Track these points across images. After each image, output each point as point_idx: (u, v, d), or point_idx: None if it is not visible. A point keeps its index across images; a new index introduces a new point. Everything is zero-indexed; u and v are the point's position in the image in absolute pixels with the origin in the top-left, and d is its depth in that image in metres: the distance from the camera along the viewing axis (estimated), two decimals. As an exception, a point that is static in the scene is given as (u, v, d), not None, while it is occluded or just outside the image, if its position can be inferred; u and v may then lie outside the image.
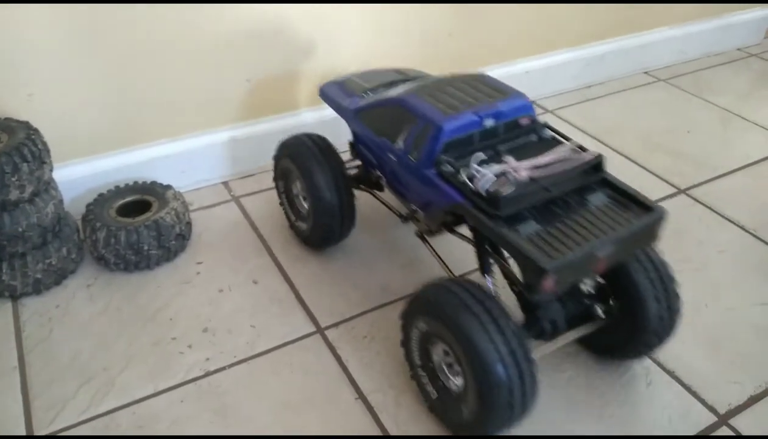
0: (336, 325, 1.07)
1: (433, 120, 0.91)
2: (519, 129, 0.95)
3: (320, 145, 1.14)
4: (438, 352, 0.89)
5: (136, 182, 1.28)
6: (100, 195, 1.24)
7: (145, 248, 1.15)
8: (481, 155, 0.90)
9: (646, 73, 1.94)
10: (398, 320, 0.93)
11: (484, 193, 0.84)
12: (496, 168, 0.87)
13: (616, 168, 1.48)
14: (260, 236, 1.27)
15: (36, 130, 1.07)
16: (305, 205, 1.18)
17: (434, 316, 0.85)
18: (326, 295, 1.12)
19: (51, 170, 1.10)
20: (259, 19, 1.30)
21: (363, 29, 1.42)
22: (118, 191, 1.25)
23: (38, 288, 1.12)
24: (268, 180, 1.42)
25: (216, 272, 1.18)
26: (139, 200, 1.24)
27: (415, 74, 1.19)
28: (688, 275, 1.18)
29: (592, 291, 0.95)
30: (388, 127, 1.00)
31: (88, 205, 1.21)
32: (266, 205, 1.36)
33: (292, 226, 1.25)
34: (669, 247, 1.23)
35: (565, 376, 1.01)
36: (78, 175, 1.26)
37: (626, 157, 1.54)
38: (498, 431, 0.85)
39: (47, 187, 1.09)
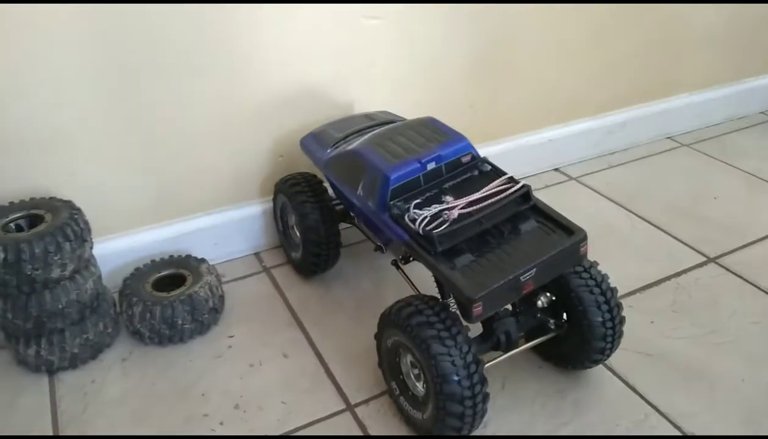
0: (366, 402, 1.07)
1: (381, 170, 1.04)
2: (461, 166, 1.08)
3: (311, 183, 1.30)
4: (406, 362, 1.00)
5: (171, 256, 1.32)
6: (137, 269, 1.28)
7: (179, 322, 1.17)
8: (417, 200, 1.02)
9: (669, 138, 1.96)
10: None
11: (422, 233, 0.95)
12: (434, 208, 0.99)
13: (643, 235, 1.50)
14: (290, 308, 1.29)
15: (79, 210, 1.12)
16: (297, 235, 1.33)
17: (399, 329, 0.95)
18: (356, 369, 1.13)
19: (91, 248, 1.14)
20: (291, 88, 1.36)
21: (391, 100, 1.47)
22: (154, 265, 1.28)
23: (75, 363, 1.14)
24: (297, 251, 1.45)
25: (247, 346, 1.20)
26: (175, 274, 1.27)
27: (383, 118, 1.32)
28: (722, 348, 1.17)
29: (545, 306, 1.05)
30: (350, 176, 1.12)
31: (125, 280, 1.25)
32: (296, 275, 1.38)
33: (286, 254, 1.41)
34: (700, 319, 1.23)
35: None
36: (116, 249, 1.31)
37: (652, 224, 1.54)
38: (452, 433, 0.94)
39: (87, 264, 1.13)
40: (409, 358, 0.99)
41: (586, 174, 1.77)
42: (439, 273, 0.94)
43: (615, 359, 1.13)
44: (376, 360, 1.06)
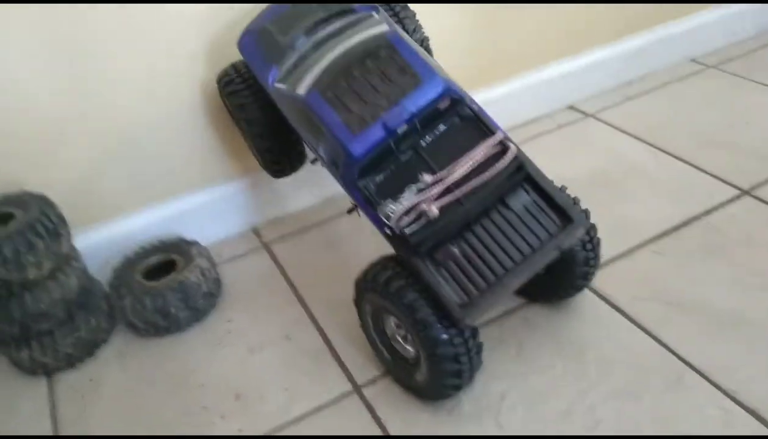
0: (373, 381, 1.00)
1: (343, 144, 0.87)
2: (438, 115, 0.90)
3: (245, 76, 1.09)
4: (390, 325, 0.95)
5: (161, 241, 1.25)
6: (126, 258, 1.21)
7: (173, 311, 1.11)
8: (389, 179, 0.89)
9: (693, 61, 1.80)
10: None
11: (398, 233, 0.85)
12: (408, 197, 0.85)
13: (668, 171, 1.37)
14: (292, 285, 1.22)
15: (50, 204, 1.05)
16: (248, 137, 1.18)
17: (379, 295, 0.89)
18: (363, 347, 1.05)
19: (69, 242, 1.07)
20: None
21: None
22: (143, 252, 1.22)
23: (71, 362, 1.09)
24: (298, 223, 1.37)
25: (247, 330, 1.13)
26: (165, 260, 1.20)
27: (338, 9, 1.01)
28: (763, 292, 1.06)
29: None
30: (307, 127, 0.94)
31: (114, 270, 1.19)
32: (297, 249, 1.30)
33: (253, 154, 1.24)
34: (736, 260, 1.12)
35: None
36: (104, 238, 1.24)
37: (679, 158, 1.41)
38: (453, 392, 0.92)
39: (68, 259, 1.06)
40: (392, 320, 0.95)
41: (604, 109, 1.63)
42: (420, 276, 0.85)
43: (641, 311, 1.04)
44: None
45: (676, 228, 1.21)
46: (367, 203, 0.89)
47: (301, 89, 0.91)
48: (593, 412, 0.91)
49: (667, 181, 1.35)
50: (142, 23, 1.12)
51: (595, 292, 1.10)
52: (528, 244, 0.87)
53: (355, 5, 1.01)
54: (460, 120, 0.91)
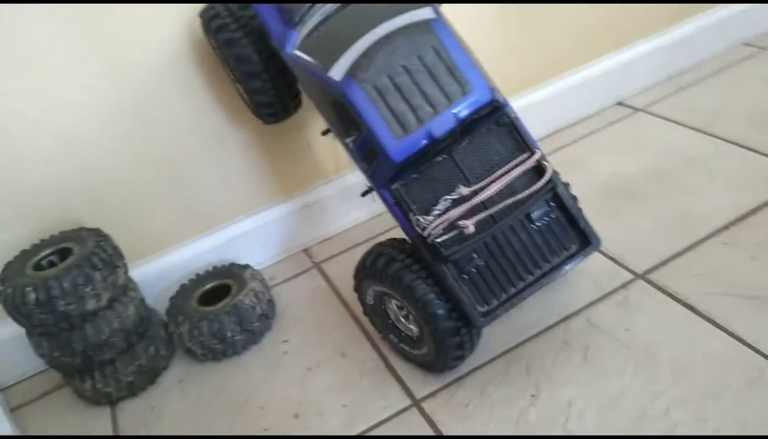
0: (433, 395, 0.97)
1: (382, 146, 0.84)
2: (477, 120, 0.88)
3: (236, 16, 1.01)
4: (392, 308, 0.99)
5: (215, 267, 1.26)
6: (182, 286, 1.23)
7: (229, 334, 1.11)
8: (420, 182, 0.88)
9: (745, 44, 1.72)
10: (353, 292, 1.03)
11: (429, 243, 0.86)
12: (446, 210, 0.86)
13: (730, 160, 1.30)
14: (344, 302, 1.20)
15: (105, 236, 1.07)
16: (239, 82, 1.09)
17: (379, 280, 0.93)
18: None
19: (126, 272, 1.09)
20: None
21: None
22: (198, 279, 1.23)
23: (133, 391, 1.10)
24: (347, 241, 1.36)
25: (303, 349, 1.12)
26: (220, 285, 1.21)
27: None
28: None
29: None
30: (335, 112, 0.90)
31: (171, 299, 1.20)
32: (348, 267, 1.28)
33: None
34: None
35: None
36: (159, 269, 1.26)
37: (739, 145, 1.34)
38: (457, 364, 0.97)
39: (125, 289, 1.08)
40: (394, 303, 0.98)
41: (654, 102, 1.58)
42: (443, 282, 0.88)
43: (713, 306, 0.98)
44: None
45: (744, 217, 1.15)
46: (397, 206, 0.88)
47: (336, 73, 0.85)
48: (669, 415, 0.85)
49: (729, 170, 1.28)
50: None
51: (662, 289, 1.04)
52: (547, 260, 0.91)
53: None
54: (497, 127, 0.90)
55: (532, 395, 0.93)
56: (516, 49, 1.45)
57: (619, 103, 1.61)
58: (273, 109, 1.08)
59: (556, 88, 1.53)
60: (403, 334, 1.01)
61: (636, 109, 1.57)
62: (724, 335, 0.94)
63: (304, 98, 1.12)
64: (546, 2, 1.43)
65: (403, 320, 1.00)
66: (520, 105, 1.49)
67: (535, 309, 1.07)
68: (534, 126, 1.51)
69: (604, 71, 1.57)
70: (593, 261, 1.13)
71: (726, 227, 1.13)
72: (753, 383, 0.86)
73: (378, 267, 0.93)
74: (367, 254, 0.97)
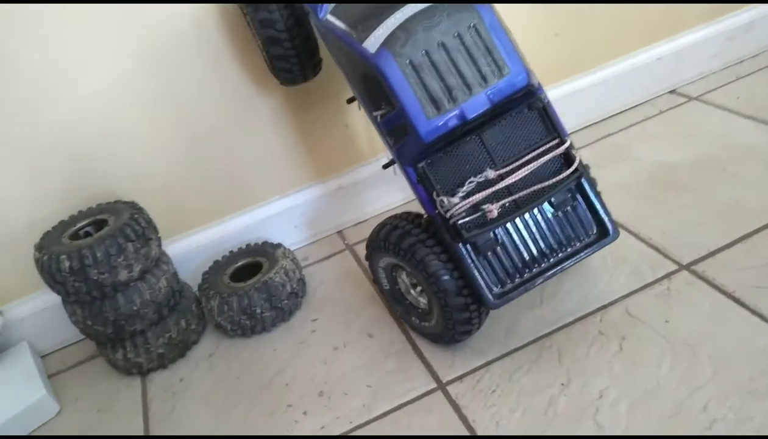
0: (459, 378, 0.95)
1: (413, 123, 0.82)
2: (509, 103, 0.85)
3: None
4: (403, 279, 1.01)
5: (248, 245, 1.26)
6: (215, 262, 1.24)
7: (258, 311, 1.11)
8: (446, 160, 0.87)
9: (814, 32, 1.62)
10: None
11: (451, 224, 0.85)
12: (471, 193, 0.85)
13: (787, 151, 1.23)
14: (374, 284, 1.19)
15: (140, 209, 1.09)
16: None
17: (392, 253, 0.94)
18: (446, 343, 1.00)
19: (159, 246, 1.10)
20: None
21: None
22: (231, 256, 1.24)
23: (163, 362, 1.12)
24: (380, 223, 1.34)
25: (331, 328, 1.11)
26: (252, 263, 1.21)
27: None
28: None
29: None
30: (366, 84, 0.87)
31: (203, 274, 1.21)
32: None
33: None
34: None
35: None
36: (194, 245, 1.27)
37: (801, 135, 1.26)
38: (464, 338, 0.97)
39: (157, 262, 1.09)
40: (404, 276, 1.00)
41: (710, 91, 1.50)
42: (460, 262, 0.88)
43: (763, 299, 0.92)
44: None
45: (801, 210, 1.08)
46: (421, 184, 0.87)
47: (371, 44, 0.83)
48: (707, 411, 0.80)
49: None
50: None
51: (708, 281, 0.98)
52: (564, 247, 0.90)
53: None
54: (528, 111, 0.88)
55: (563, 384, 0.89)
56: (563, 33, 1.40)
57: (672, 92, 1.54)
58: (291, 74, 1.07)
59: (604, 74, 1.48)
60: (411, 305, 1.02)
61: (690, 98, 1.50)
62: (772, 330, 0.88)
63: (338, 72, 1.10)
64: (595, -16, 1.38)
65: (413, 292, 1.00)
66: (566, 91, 1.45)
67: (572, 297, 1.03)
68: (581, 113, 1.49)
69: (657, 58, 1.50)
70: (635, 250, 1.08)
71: (783, 219, 1.07)
72: (802, 381, 0.81)
73: (392, 239, 0.93)
74: (381, 225, 0.97)
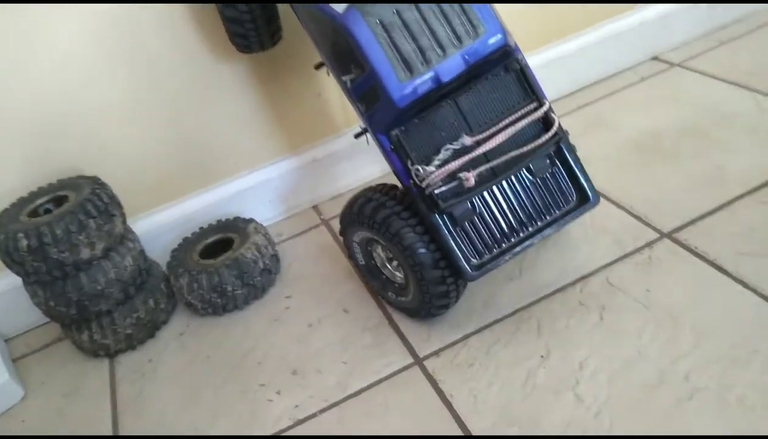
0: (436, 353, 0.92)
1: (385, 88, 0.78)
2: (485, 64, 0.82)
3: None
4: (379, 253, 0.97)
5: (219, 221, 1.22)
6: (185, 239, 1.19)
7: (229, 288, 1.07)
8: (420, 126, 0.82)
9: (797, -4, 1.59)
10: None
11: (427, 193, 0.81)
12: (447, 161, 0.81)
13: (768, 115, 1.20)
14: (350, 259, 1.15)
15: (102, 184, 1.04)
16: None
17: (366, 226, 0.90)
18: (423, 318, 0.97)
19: (124, 222, 1.06)
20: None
21: None
22: (201, 232, 1.20)
23: (131, 343, 1.08)
24: (356, 197, 1.31)
25: (305, 305, 1.08)
26: (223, 239, 1.17)
27: None
28: None
29: None
30: (335, 47, 0.83)
31: (172, 251, 1.17)
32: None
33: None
34: None
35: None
36: (163, 221, 1.23)
37: (784, 100, 1.23)
38: (442, 312, 0.94)
39: (122, 239, 1.05)
40: (380, 250, 0.96)
41: (693, 57, 1.46)
42: (436, 232, 0.84)
43: (745, 266, 0.90)
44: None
45: (785, 174, 1.05)
46: (395, 153, 0.83)
47: (338, 4, 0.80)
48: (688, 381, 0.78)
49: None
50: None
51: (690, 249, 0.96)
52: (543, 215, 0.87)
53: None
54: (505, 73, 0.84)
55: (542, 356, 0.87)
56: (542, -3, 1.36)
57: (655, 58, 1.51)
58: (247, 41, 1.03)
59: (586, 39, 1.44)
60: (388, 279, 0.98)
61: (672, 64, 1.46)
62: (755, 298, 0.86)
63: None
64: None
65: (389, 266, 0.97)
66: (547, 58, 1.41)
67: (551, 267, 1.00)
68: (562, 80, 1.45)
69: (639, 23, 1.47)
70: (615, 219, 1.05)
71: (764, 185, 1.04)
72: (785, 349, 0.78)
73: (366, 213, 0.90)
74: (355, 198, 0.93)
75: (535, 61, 1.38)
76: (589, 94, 1.43)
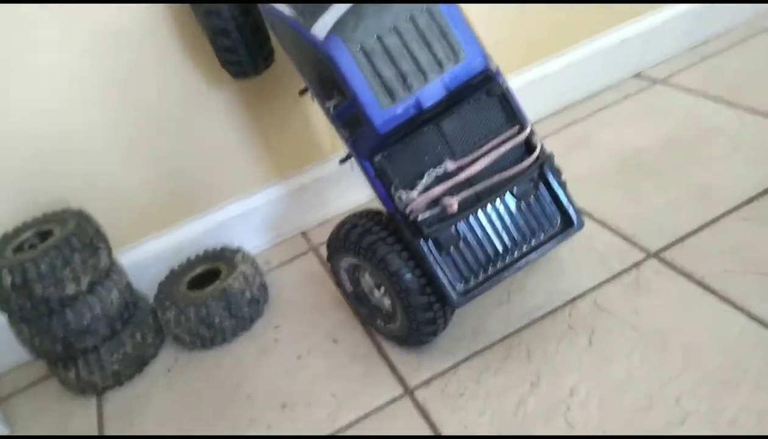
0: (427, 382, 0.91)
1: (367, 115, 0.78)
2: (467, 88, 0.82)
3: None
4: (366, 280, 0.97)
5: (206, 250, 1.21)
6: (171, 271, 1.18)
7: (217, 320, 1.06)
8: (404, 154, 0.83)
9: (776, 10, 1.61)
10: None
11: (411, 219, 0.82)
12: (430, 187, 0.81)
13: (755, 132, 1.20)
14: (339, 287, 1.14)
15: (87, 217, 1.04)
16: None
17: (353, 253, 0.90)
18: (413, 347, 0.97)
19: (110, 255, 1.05)
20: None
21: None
22: (188, 264, 1.19)
23: (119, 380, 1.07)
24: (344, 222, 1.30)
25: (294, 336, 1.07)
26: (210, 270, 1.16)
27: None
28: None
29: None
30: (317, 73, 0.84)
31: (159, 284, 1.16)
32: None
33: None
34: None
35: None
36: (149, 253, 1.22)
37: (764, 114, 1.24)
38: (430, 339, 0.94)
39: (108, 273, 1.04)
40: (367, 276, 0.96)
41: (675, 73, 1.48)
42: (422, 259, 0.84)
43: (732, 285, 0.90)
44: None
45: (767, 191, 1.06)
46: (379, 178, 0.83)
47: (318, 30, 0.78)
48: (679, 404, 0.78)
49: (754, 142, 1.18)
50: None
51: (677, 268, 0.96)
52: (527, 239, 0.87)
53: None
54: (487, 97, 0.85)
55: (532, 383, 0.86)
56: (526, 16, 1.36)
57: (638, 75, 1.52)
58: (242, 67, 1.03)
59: (568, 59, 1.45)
60: (375, 306, 0.98)
61: (655, 81, 1.48)
62: (743, 317, 0.86)
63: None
64: (555, -32, 1.35)
65: (377, 293, 0.97)
66: (531, 77, 1.42)
67: (539, 291, 1.00)
68: (545, 100, 1.46)
69: (621, 40, 1.48)
70: (602, 239, 1.06)
71: (749, 201, 1.04)
72: (774, 368, 0.78)
73: (352, 239, 0.90)
74: (341, 224, 0.93)
75: (519, 80, 1.39)
76: (573, 113, 1.44)
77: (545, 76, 1.43)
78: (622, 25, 1.48)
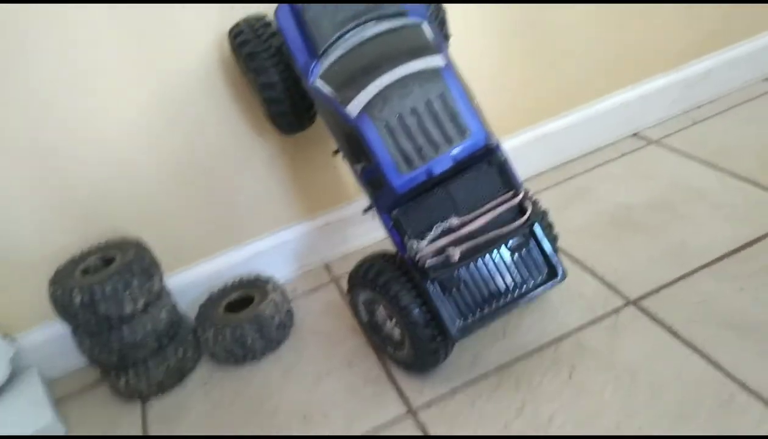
0: (428, 404, 1.06)
1: (387, 178, 0.96)
2: (472, 159, 0.99)
3: (261, 35, 1.13)
4: (381, 313, 1.11)
5: (241, 278, 1.38)
6: (210, 295, 1.35)
7: (249, 341, 1.22)
8: (417, 211, 1.00)
9: (766, 80, 1.76)
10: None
11: (419, 266, 0.97)
12: (435, 238, 0.98)
13: (734, 194, 1.35)
14: (355, 316, 1.30)
15: (145, 248, 1.20)
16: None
17: (369, 288, 1.06)
18: (419, 372, 1.11)
19: (161, 280, 1.22)
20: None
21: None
22: (225, 289, 1.35)
23: (162, 389, 1.22)
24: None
25: (315, 358, 1.22)
26: (244, 296, 1.33)
27: (378, 14, 1.03)
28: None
29: None
30: (349, 142, 1.01)
31: (200, 306, 1.33)
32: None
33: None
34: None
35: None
36: (191, 279, 1.39)
37: (746, 179, 1.39)
38: (433, 366, 1.10)
39: (159, 295, 1.21)
40: (381, 309, 1.09)
41: (668, 135, 1.63)
42: (428, 297, 1.00)
43: (696, 333, 1.04)
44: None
45: (739, 249, 1.20)
46: (395, 229, 1.00)
47: (353, 108, 0.95)
48: (641, 432, 0.92)
49: (731, 204, 1.33)
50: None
51: (651, 316, 1.10)
52: (518, 286, 1.03)
53: (407, 6, 1.05)
54: (488, 166, 1.01)
55: (518, 409, 1.00)
56: (533, 82, 1.53)
57: (635, 135, 1.67)
58: (291, 128, 1.22)
59: (572, 119, 1.60)
60: (387, 335, 1.12)
61: (650, 141, 1.63)
62: (702, 361, 1.00)
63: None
64: (563, 34, 1.51)
65: (389, 324, 1.11)
66: (535, 135, 1.58)
67: (531, 330, 1.14)
68: (548, 155, 1.62)
69: (621, 103, 1.64)
70: (590, 286, 1.20)
71: (720, 259, 1.19)
72: (724, 406, 0.92)
73: (369, 276, 1.06)
74: (361, 263, 1.10)
75: (522, 139, 1.55)
76: (571, 168, 1.59)
77: (547, 134, 1.59)
78: (623, 90, 1.63)
